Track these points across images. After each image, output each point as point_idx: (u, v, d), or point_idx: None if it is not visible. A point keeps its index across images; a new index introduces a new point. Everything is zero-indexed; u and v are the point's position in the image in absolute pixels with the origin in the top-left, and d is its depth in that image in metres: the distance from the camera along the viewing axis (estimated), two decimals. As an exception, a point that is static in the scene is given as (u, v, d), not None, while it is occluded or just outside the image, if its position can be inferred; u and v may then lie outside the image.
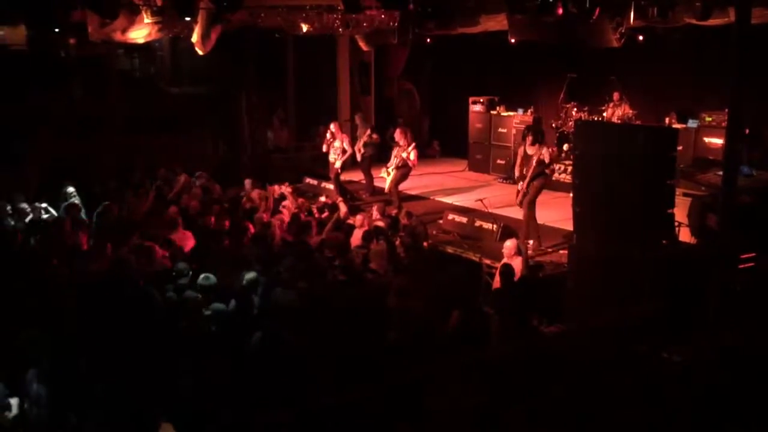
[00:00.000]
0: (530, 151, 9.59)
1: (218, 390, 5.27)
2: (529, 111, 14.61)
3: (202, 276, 6.78)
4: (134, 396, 5.18)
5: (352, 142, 12.82)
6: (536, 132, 9.94)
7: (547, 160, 9.47)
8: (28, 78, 13.22)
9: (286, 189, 11.81)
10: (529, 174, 9.53)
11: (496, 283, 8.13)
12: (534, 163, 9.47)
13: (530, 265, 8.50)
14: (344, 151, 12.45)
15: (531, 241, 9.50)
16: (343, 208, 10.44)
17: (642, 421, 4.40)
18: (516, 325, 6.82)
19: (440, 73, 18.00)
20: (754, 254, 7.54)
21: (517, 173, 9.91)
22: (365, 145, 12.87)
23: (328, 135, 12.75)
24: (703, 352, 5.65)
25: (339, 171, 12.60)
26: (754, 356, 5.22)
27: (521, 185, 9.68)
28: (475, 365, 5.77)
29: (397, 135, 11.86)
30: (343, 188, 12.72)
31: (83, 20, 10.39)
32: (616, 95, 13.53)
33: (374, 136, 13.04)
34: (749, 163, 10.66)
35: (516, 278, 7.78)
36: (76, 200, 10.25)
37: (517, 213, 10.19)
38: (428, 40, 15.32)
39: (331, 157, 12.68)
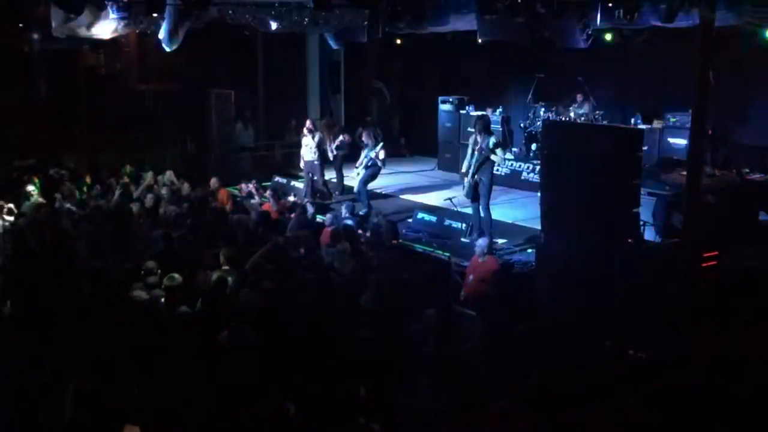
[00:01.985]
0: (480, 139, 9.60)
1: (187, 390, 5.22)
2: (498, 110, 14.70)
3: (167, 276, 6.71)
4: (101, 397, 5.11)
5: (324, 141, 12.76)
6: (486, 122, 9.94)
7: (497, 151, 9.48)
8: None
9: (254, 187, 11.74)
10: (476, 165, 9.52)
11: (468, 282, 8.16)
12: (481, 152, 9.48)
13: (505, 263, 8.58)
14: (320, 149, 12.39)
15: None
16: (309, 209, 10.37)
17: (612, 417, 4.45)
18: (498, 329, 6.83)
19: (410, 72, 18.03)
20: (716, 252, 7.69)
21: (464, 168, 9.85)
22: (338, 147, 12.85)
23: (305, 131, 12.64)
24: (669, 348, 5.74)
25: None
26: (720, 352, 5.32)
27: (467, 180, 9.71)
28: (446, 364, 5.80)
29: (364, 136, 11.85)
30: (314, 187, 12.62)
31: (47, 15, 10.20)
32: (579, 97, 13.69)
33: (346, 136, 13.01)
34: (712, 163, 10.86)
35: (489, 276, 7.82)
36: (35, 197, 10.06)
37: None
38: (398, 39, 15.35)
39: (308, 156, 12.60)
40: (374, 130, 11.97)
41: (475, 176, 9.60)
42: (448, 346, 6.31)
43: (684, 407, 4.56)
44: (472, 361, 5.98)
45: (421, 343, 6.27)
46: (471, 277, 8.09)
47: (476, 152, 9.60)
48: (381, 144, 11.66)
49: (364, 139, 11.89)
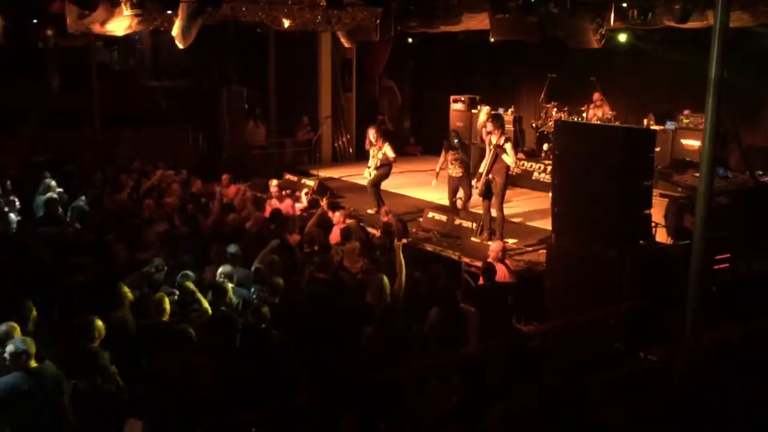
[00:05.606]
0: (494, 139, 9.54)
1: (199, 387, 5.23)
2: (510, 110, 14.67)
3: (180, 274, 6.73)
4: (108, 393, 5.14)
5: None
6: (500, 120, 9.87)
7: (509, 151, 9.39)
8: (4, 70, 13.06)
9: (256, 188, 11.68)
10: (489, 164, 9.48)
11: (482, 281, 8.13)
12: (494, 150, 9.42)
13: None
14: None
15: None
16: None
17: (620, 419, 4.43)
18: (498, 324, 6.81)
19: (422, 71, 18.02)
20: (728, 255, 7.64)
21: (481, 168, 9.74)
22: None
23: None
24: (680, 351, 5.72)
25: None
26: (730, 355, 5.29)
27: (477, 180, 9.71)
28: (454, 364, 5.79)
29: (372, 134, 11.66)
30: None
31: (62, 11, 10.27)
32: (596, 96, 13.57)
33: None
34: (725, 165, 10.79)
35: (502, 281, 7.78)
36: (55, 193, 10.12)
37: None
38: (410, 38, 15.35)
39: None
40: (378, 129, 11.78)
41: (489, 175, 9.57)
42: (455, 344, 6.31)
43: (696, 409, 4.54)
44: (478, 360, 5.97)
45: (429, 341, 6.27)
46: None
47: (491, 150, 9.55)
48: (386, 141, 11.51)
49: (371, 137, 11.69)
